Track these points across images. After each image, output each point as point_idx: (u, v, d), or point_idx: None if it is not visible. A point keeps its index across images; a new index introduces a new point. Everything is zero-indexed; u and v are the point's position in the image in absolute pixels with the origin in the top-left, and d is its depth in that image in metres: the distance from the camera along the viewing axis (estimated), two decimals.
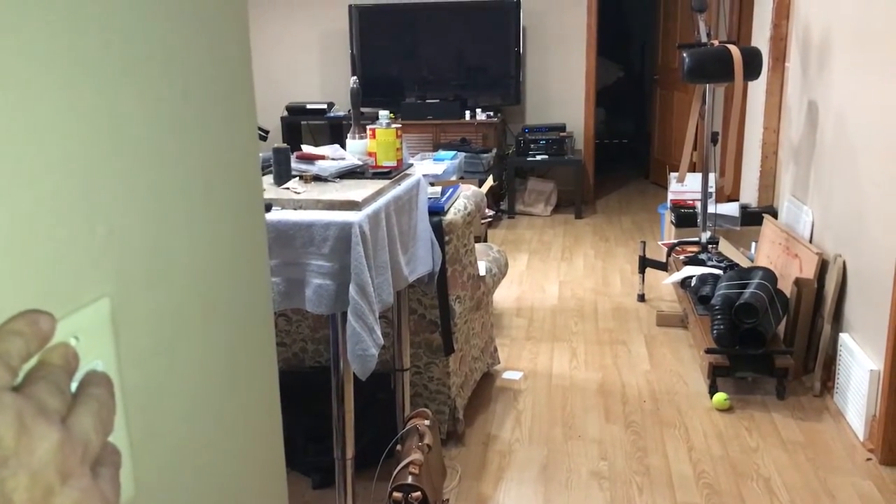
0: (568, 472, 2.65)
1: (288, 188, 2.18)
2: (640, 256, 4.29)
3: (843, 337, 3.04)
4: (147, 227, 0.51)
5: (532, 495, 2.52)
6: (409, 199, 2.35)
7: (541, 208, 6.35)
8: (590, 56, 6.50)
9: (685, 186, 4.64)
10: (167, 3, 0.53)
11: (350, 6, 6.37)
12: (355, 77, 2.68)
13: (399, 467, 2.23)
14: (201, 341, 0.59)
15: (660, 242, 4.84)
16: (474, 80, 6.34)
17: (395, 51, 6.39)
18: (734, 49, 3.70)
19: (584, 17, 6.42)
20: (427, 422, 2.39)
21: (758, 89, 4.79)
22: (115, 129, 0.48)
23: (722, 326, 3.12)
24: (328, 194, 2.10)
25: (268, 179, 2.29)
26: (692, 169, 4.69)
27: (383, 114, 2.48)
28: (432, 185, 2.81)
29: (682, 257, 4.15)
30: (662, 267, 4.27)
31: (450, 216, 2.64)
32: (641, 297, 4.28)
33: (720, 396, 3.06)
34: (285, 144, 2.30)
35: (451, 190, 2.80)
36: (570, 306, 4.23)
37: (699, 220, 4.18)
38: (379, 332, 2.04)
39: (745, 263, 3.87)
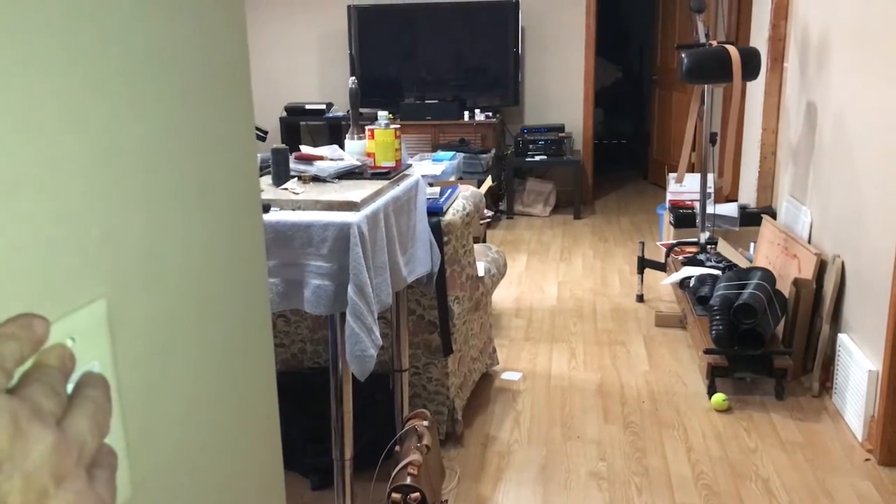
0: (567, 473, 2.65)
1: (286, 189, 2.18)
2: (638, 257, 4.29)
3: (842, 337, 3.04)
4: (144, 229, 0.51)
5: (531, 496, 2.52)
6: (408, 199, 2.35)
7: (539, 209, 6.35)
8: (588, 56, 6.50)
9: (684, 187, 4.64)
10: (164, 3, 0.53)
11: (349, 6, 6.37)
12: (354, 78, 2.68)
13: (398, 468, 2.22)
14: (198, 342, 0.59)
15: (658, 243, 4.84)
16: (473, 81, 6.34)
17: (393, 51, 6.39)
18: (732, 49, 3.70)
19: (582, 17, 6.42)
20: (426, 422, 2.39)
21: (756, 90, 4.79)
22: (111, 129, 0.48)
23: (721, 327, 3.12)
24: (327, 195, 2.09)
25: (266, 180, 2.29)
26: (691, 169, 4.69)
27: (382, 114, 2.48)
28: (431, 185, 2.80)
29: (680, 258, 4.15)
30: (661, 267, 4.27)
31: (448, 217, 2.64)
32: (640, 298, 4.28)
33: (719, 397, 3.06)
34: (284, 145, 2.30)
35: (449, 190, 2.80)
36: (569, 307, 4.23)
37: (698, 220, 4.18)
38: (377, 333, 2.03)
39: (743, 264, 3.87)
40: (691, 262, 4.00)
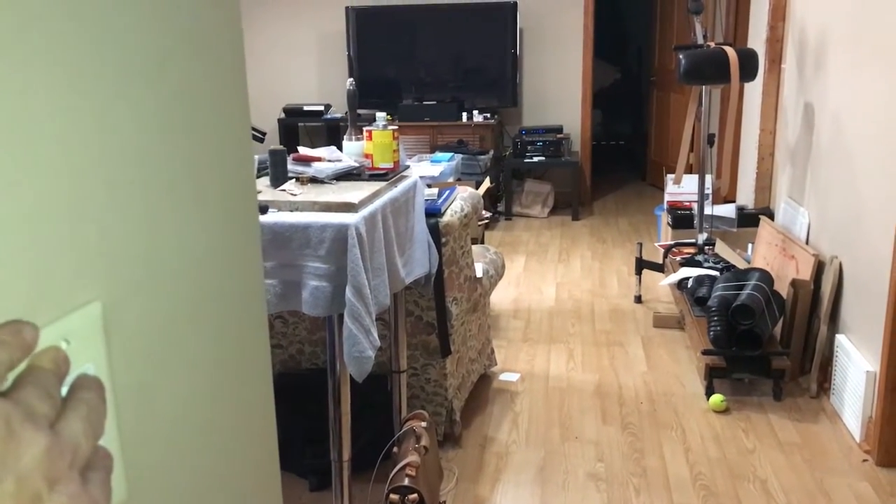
0: (565, 474, 2.65)
1: (284, 190, 2.18)
2: (636, 258, 4.29)
3: (840, 338, 3.04)
4: (139, 231, 0.51)
5: (529, 497, 2.52)
6: (406, 200, 2.35)
7: (538, 210, 6.36)
8: (586, 58, 6.50)
9: (682, 188, 4.64)
10: (158, 5, 0.53)
11: (347, 8, 6.37)
12: (352, 79, 2.68)
13: (396, 469, 2.22)
14: (194, 345, 0.59)
15: (656, 244, 4.85)
16: (471, 82, 6.34)
17: (392, 52, 6.39)
18: (730, 51, 3.70)
19: (580, 18, 6.43)
20: (424, 424, 2.39)
21: (754, 91, 4.80)
22: (106, 131, 0.48)
23: (718, 328, 3.12)
24: (325, 196, 2.09)
25: (264, 181, 2.28)
26: (689, 170, 4.69)
27: (380, 115, 2.48)
28: (429, 186, 2.80)
29: (678, 259, 4.15)
30: (659, 268, 4.28)
31: (446, 218, 2.64)
32: (638, 299, 4.28)
33: (717, 398, 3.06)
34: (282, 146, 2.30)
35: (447, 192, 2.80)
36: (567, 308, 4.23)
37: (696, 221, 4.19)
38: (375, 334, 2.03)
39: (741, 265, 3.87)
40: (689, 263, 4.00)
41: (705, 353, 3.15)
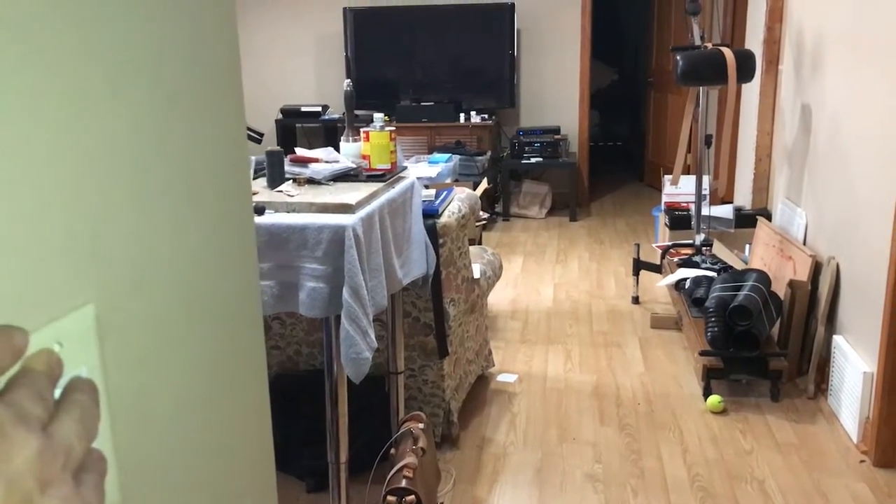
0: (562, 476, 2.64)
1: (281, 191, 2.17)
2: (634, 259, 4.29)
3: (837, 339, 3.04)
4: (133, 233, 0.51)
5: (526, 498, 2.52)
6: (403, 201, 2.34)
7: (535, 211, 6.36)
8: (584, 59, 6.50)
9: (679, 189, 4.64)
10: (152, 6, 0.53)
11: (344, 9, 6.37)
12: (349, 80, 2.68)
13: (393, 471, 2.22)
14: (188, 346, 0.58)
15: (654, 245, 4.85)
16: (469, 83, 6.35)
17: (389, 53, 6.39)
18: (727, 52, 3.71)
19: (578, 19, 6.43)
20: (421, 425, 2.38)
21: (751, 92, 4.80)
22: (99, 133, 0.48)
23: (716, 329, 3.13)
24: (322, 197, 2.09)
25: (261, 182, 2.28)
26: (686, 171, 4.70)
27: (377, 116, 2.48)
28: (427, 187, 2.80)
29: (676, 260, 4.16)
30: (657, 269, 4.28)
31: (444, 219, 2.64)
32: (636, 300, 4.29)
33: (714, 399, 3.06)
34: (279, 147, 2.29)
35: (445, 193, 2.80)
36: (565, 309, 4.23)
37: (693, 222, 4.19)
38: (373, 336, 2.03)
39: (738, 266, 3.88)
40: (687, 263, 4.00)
41: (703, 353, 3.15)
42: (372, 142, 2.35)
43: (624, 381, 3.34)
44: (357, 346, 1.98)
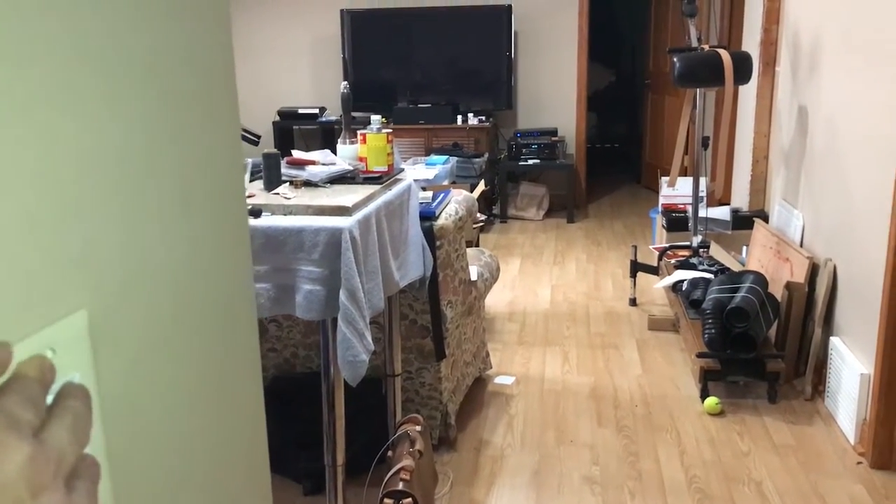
0: (560, 478, 2.64)
1: (278, 193, 2.17)
2: (631, 260, 4.29)
3: (834, 341, 3.04)
4: (125, 238, 0.51)
5: (524, 501, 2.52)
6: (401, 204, 2.34)
7: (533, 213, 6.36)
8: (581, 60, 6.51)
9: (676, 190, 4.65)
10: (146, 8, 0.53)
11: (342, 11, 6.37)
12: (346, 82, 2.68)
13: (390, 473, 2.22)
14: (182, 352, 0.58)
15: (651, 246, 4.85)
16: (466, 85, 6.35)
17: (387, 55, 6.39)
18: (724, 53, 3.71)
19: (575, 21, 6.44)
20: (418, 427, 2.38)
21: (748, 94, 4.81)
22: (91, 137, 0.47)
23: (713, 330, 3.13)
24: (318, 199, 2.09)
25: (258, 185, 2.28)
26: (683, 173, 4.70)
27: (375, 118, 2.47)
28: (424, 189, 2.80)
29: (673, 261, 4.16)
30: (654, 271, 4.28)
31: (441, 221, 2.64)
32: (633, 302, 4.29)
33: (711, 400, 3.06)
34: (276, 149, 2.29)
35: (442, 195, 2.80)
36: (562, 310, 4.23)
37: (690, 224, 4.19)
38: (369, 338, 2.03)
39: (736, 267, 3.88)
40: (684, 265, 4.00)
41: (700, 355, 3.15)
42: (369, 144, 2.35)
43: (621, 383, 3.34)
44: (354, 349, 1.98)
